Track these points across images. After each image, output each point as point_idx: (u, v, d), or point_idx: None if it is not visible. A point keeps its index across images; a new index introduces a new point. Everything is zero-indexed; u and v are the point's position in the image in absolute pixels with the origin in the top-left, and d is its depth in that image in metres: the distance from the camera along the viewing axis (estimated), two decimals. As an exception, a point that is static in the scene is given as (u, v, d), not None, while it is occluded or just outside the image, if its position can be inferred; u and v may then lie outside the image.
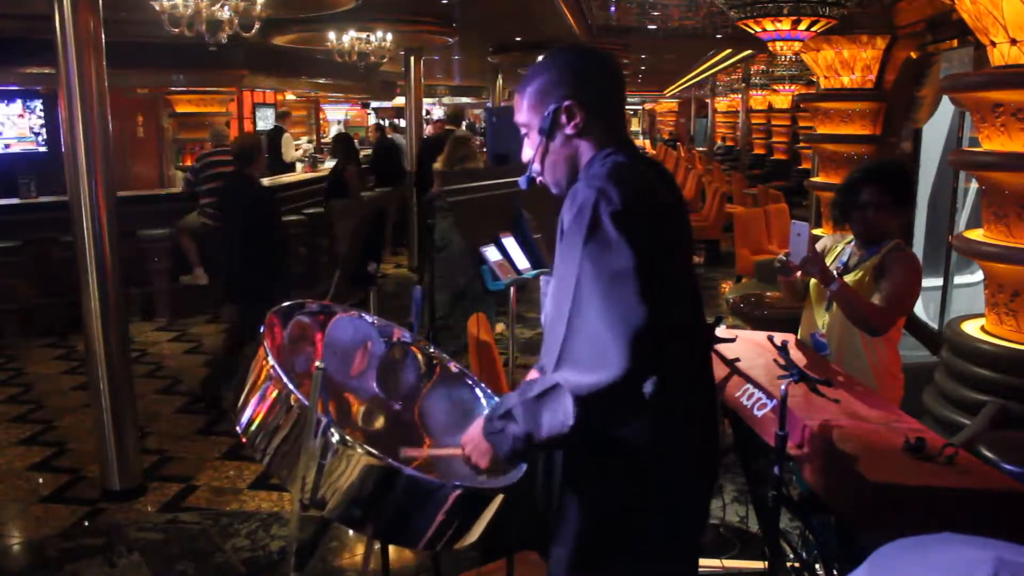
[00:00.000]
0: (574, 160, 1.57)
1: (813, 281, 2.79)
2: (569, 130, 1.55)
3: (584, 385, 1.38)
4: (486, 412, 1.59)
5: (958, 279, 5.64)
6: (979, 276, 4.47)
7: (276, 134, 10.91)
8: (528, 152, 1.62)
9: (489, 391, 2.03)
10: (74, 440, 4.62)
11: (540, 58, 1.65)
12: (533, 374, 1.76)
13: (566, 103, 1.53)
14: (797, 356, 2.38)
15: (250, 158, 4.96)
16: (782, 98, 18.02)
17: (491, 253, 3.37)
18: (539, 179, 1.63)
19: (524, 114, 1.60)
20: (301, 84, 13.32)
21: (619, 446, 1.53)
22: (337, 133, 8.20)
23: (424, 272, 5.38)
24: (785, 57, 6.78)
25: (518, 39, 11.74)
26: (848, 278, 2.70)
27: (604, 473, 1.56)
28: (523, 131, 1.62)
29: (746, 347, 2.54)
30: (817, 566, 2.58)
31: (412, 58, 10.35)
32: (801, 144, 15.23)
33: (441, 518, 1.56)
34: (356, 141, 10.72)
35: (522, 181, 1.64)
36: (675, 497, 1.57)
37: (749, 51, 11.87)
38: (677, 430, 1.54)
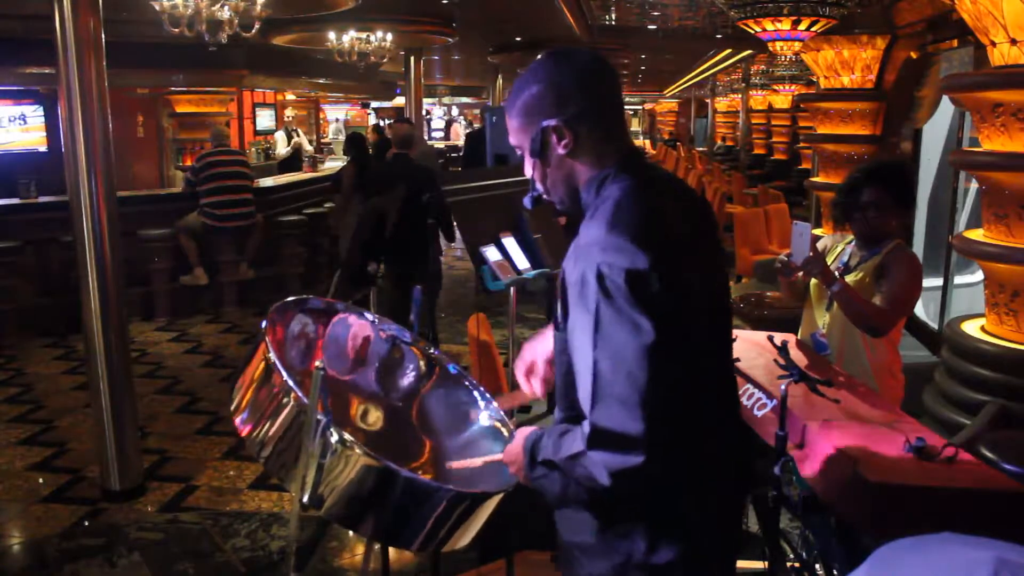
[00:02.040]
0: (571, 179, 1.50)
1: (814, 281, 2.79)
2: (560, 150, 1.46)
3: (613, 463, 1.32)
4: (528, 439, 1.50)
5: (958, 279, 5.63)
6: (979, 276, 4.47)
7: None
8: (528, 171, 1.55)
9: (487, 394, 2.04)
10: (74, 440, 4.62)
11: (523, 72, 1.55)
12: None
13: (552, 123, 1.44)
14: (797, 356, 2.38)
15: (410, 143, 5.68)
16: (782, 98, 18.04)
17: (491, 253, 3.37)
18: (545, 197, 1.56)
19: (514, 135, 1.52)
20: (301, 84, 13.34)
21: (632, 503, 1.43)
22: (351, 133, 8.24)
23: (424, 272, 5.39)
24: (785, 57, 6.77)
25: (518, 39, 11.75)
26: (849, 278, 2.70)
27: (613, 538, 1.45)
28: (519, 152, 1.54)
29: (746, 347, 2.54)
30: (817, 566, 2.57)
31: (412, 58, 10.37)
32: (801, 144, 15.24)
33: (435, 520, 1.56)
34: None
35: (527, 201, 1.58)
36: (698, 549, 1.47)
37: (749, 51, 11.88)
38: (700, 477, 1.45)
